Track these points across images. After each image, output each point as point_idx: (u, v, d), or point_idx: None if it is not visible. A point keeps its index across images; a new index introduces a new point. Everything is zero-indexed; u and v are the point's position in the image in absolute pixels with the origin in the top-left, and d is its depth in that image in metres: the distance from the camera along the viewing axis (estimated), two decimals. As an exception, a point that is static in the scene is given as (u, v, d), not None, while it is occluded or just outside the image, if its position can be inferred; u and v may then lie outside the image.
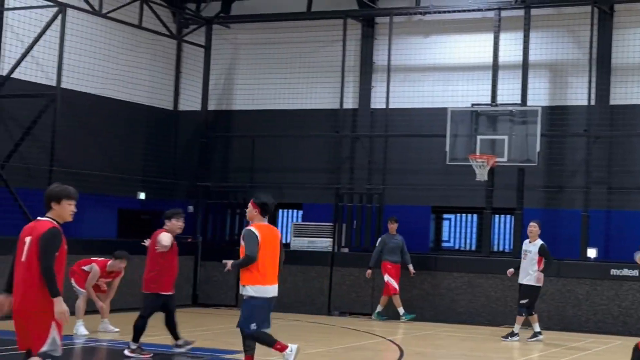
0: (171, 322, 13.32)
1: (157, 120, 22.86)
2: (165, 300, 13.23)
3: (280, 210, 23.12)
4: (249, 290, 11.06)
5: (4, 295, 8.24)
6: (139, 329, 13.07)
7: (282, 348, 11.32)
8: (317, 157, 22.35)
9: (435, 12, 21.11)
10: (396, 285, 19.43)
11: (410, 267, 19.71)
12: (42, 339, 8.02)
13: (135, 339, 13.07)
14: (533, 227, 16.91)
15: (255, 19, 23.14)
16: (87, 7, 19.81)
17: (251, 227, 11.12)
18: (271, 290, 11.19)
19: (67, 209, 8.47)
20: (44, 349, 8.02)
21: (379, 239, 19.96)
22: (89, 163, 20.39)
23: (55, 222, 8.26)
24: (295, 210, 22.96)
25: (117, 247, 19.39)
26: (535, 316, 16.79)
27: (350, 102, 22.16)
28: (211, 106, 23.36)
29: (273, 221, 22.92)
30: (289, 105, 22.67)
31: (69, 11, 19.31)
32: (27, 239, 8.20)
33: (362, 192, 21.50)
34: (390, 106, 21.22)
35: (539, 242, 16.73)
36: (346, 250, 21.14)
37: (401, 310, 19.41)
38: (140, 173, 22.23)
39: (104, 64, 21.22)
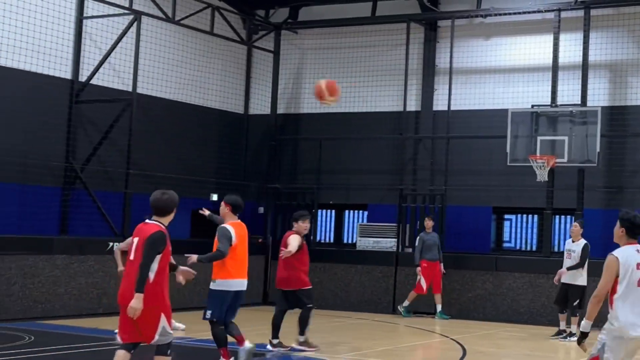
0: (304, 317, 14.20)
1: (228, 123, 23.20)
2: (300, 296, 14.13)
3: (346, 211, 23.48)
4: (216, 282, 11.91)
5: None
6: (276, 324, 14.18)
7: (224, 355, 11.85)
8: (381, 158, 22.54)
9: (495, 15, 21.20)
10: (425, 287, 19.85)
11: (441, 265, 20.11)
12: (154, 329, 8.82)
13: (275, 334, 14.13)
14: (575, 227, 16.96)
15: (321, 24, 23.42)
16: (161, 15, 20.19)
17: (226, 225, 12.03)
18: (237, 284, 11.95)
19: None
20: (156, 338, 8.82)
21: (418, 237, 20.29)
22: (163, 166, 20.74)
23: (162, 226, 9.04)
24: (360, 211, 23.18)
25: (190, 246, 19.94)
26: (578, 317, 16.75)
27: (413, 105, 22.34)
28: (280, 110, 23.73)
29: (339, 221, 23.43)
30: (354, 109, 22.89)
31: (144, 19, 19.74)
32: (135, 240, 9.08)
33: (425, 193, 21.68)
34: (452, 108, 21.35)
35: (583, 241, 16.69)
36: (410, 250, 21.26)
37: (405, 303, 20.01)
38: (212, 175, 22.53)
39: (178, 69, 21.62)
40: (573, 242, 16.89)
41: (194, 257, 11.62)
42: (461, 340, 16.17)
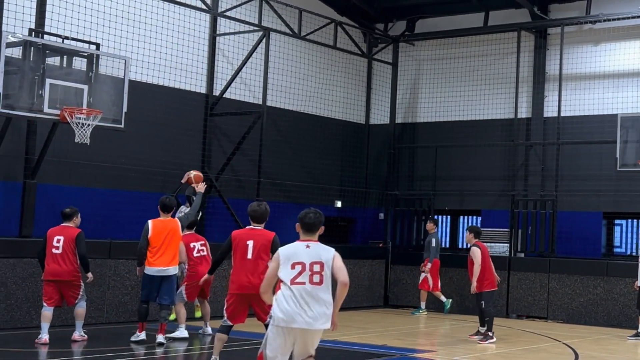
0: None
1: (350, 133, 23.27)
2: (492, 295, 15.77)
3: (461, 217, 23.28)
4: (145, 268, 13.43)
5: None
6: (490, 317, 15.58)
7: (139, 328, 13.48)
8: (494, 165, 22.26)
9: (605, 20, 20.65)
10: (431, 284, 20.14)
11: (429, 265, 20.24)
12: (267, 313, 9.52)
13: (489, 327, 15.50)
14: None
15: (436, 35, 23.25)
16: (288, 31, 20.32)
17: (149, 221, 13.49)
18: (153, 270, 13.36)
19: None
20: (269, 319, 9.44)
21: (434, 239, 20.38)
22: (291, 174, 20.97)
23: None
24: (474, 217, 22.93)
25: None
26: None
27: (524, 112, 21.98)
28: (398, 119, 23.64)
29: (454, 226, 23.24)
30: (467, 116, 22.70)
31: (272, 35, 19.92)
32: (251, 242, 10.68)
33: (536, 198, 21.29)
34: (562, 114, 20.92)
35: None
36: (522, 255, 21.02)
37: (423, 305, 20.38)
38: (336, 183, 22.65)
39: (303, 82, 21.75)
40: None
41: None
42: (573, 344, 15.84)
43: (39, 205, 15.34)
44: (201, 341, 14.57)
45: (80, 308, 13.42)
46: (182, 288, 14.54)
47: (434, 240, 20.39)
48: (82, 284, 13.45)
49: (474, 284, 15.56)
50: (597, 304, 19.61)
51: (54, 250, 13.19)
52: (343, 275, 8.08)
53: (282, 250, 8.17)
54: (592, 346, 15.96)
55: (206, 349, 13.78)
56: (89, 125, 14.44)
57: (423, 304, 20.43)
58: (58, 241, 13.22)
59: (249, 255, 10.63)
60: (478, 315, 16.08)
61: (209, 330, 14.91)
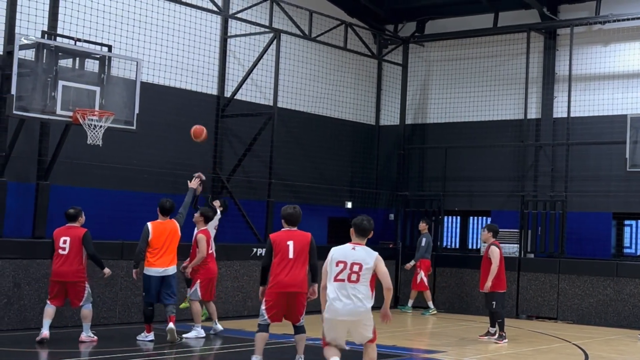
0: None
1: (360, 134, 23.20)
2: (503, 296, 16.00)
3: (470, 217, 23.14)
4: (145, 269, 13.56)
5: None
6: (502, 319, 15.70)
7: (147, 329, 13.64)
8: (503, 165, 22.15)
9: (614, 21, 20.51)
10: (426, 283, 20.37)
11: (412, 262, 20.47)
12: (302, 312, 11.10)
13: (502, 328, 15.61)
14: None
15: (446, 36, 23.16)
16: (298, 32, 20.26)
17: (148, 223, 13.65)
18: (154, 271, 13.50)
19: None
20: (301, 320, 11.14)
21: (424, 239, 20.51)
22: (301, 175, 20.92)
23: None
24: (484, 217, 22.78)
25: (327, 252, 20.02)
26: None
27: (533, 112, 21.84)
28: (408, 120, 23.54)
29: (464, 227, 23.12)
30: (477, 117, 22.59)
31: (283, 36, 19.83)
32: (291, 243, 10.98)
33: (546, 199, 21.18)
34: (572, 115, 20.78)
35: None
36: (532, 255, 20.90)
37: (430, 304, 20.46)
38: (346, 184, 22.60)
39: (314, 84, 21.68)
40: None
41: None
42: (583, 345, 15.76)
43: (52, 206, 15.29)
44: (218, 340, 14.54)
45: (86, 309, 13.38)
46: (197, 286, 14.50)
47: (424, 240, 20.50)
48: (87, 286, 13.42)
49: (489, 283, 15.49)
50: (607, 304, 19.48)
51: (60, 251, 13.22)
52: (386, 282, 9.42)
53: (333, 250, 9.56)
54: (602, 347, 15.88)
55: (224, 348, 13.74)
56: (101, 127, 14.41)
57: (430, 304, 20.38)
58: (65, 242, 13.23)
59: (291, 255, 10.96)
60: (488, 316, 16.00)
61: (219, 327, 14.94)
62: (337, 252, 9.52)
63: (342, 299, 9.34)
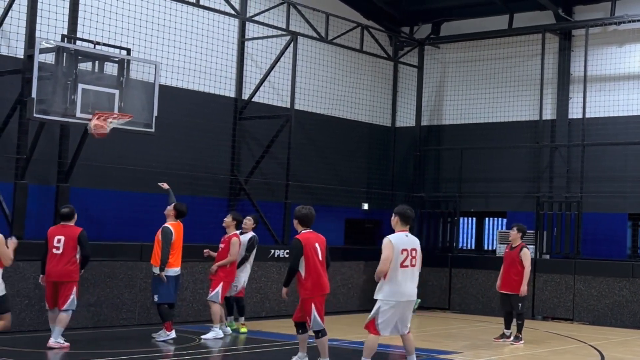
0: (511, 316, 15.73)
1: (376, 136, 23.14)
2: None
3: (486, 219, 23.06)
4: (157, 269, 13.66)
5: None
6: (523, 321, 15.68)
7: (168, 327, 13.69)
8: (519, 167, 22.06)
9: (630, 21, 20.37)
10: None
11: None
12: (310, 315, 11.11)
13: (520, 329, 15.53)
14: None
15: (461, 38, 23.10)
16: (315, 35, 20.26)
17: (168, 224, 13.87)
18: (174, 271, 13.80)
19: None
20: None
21: None
22: (318, 177, 20.88)
23: None
24: (499, 219, 22.72)
25: (344, 254, 20.08)
26: None
27: (549, 113, 21.73)
28: (424, 122, 23.49)
29: (480, 228, 23.08)
30: (492, 119, 22.51)
31: (300, 39, 19.83)
32: (317, 245, 11.12)
33: (561, 200, 21.08)
34: (587, 116, 20.69)
35: None
36: (547, 256, 20.80)
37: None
38: (363, 185, 22.55)
39: (330, 86, 21.67)
40: None
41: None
42: (598, 346, 15.68)
43: (72, 208, 15.34)
44: (236, 341, 14.59)
45: (65, 314, 12.81)
46: (220, 288, 14.55)
47: None
48: (75, 290, 12.93)
49: (524, 287, 15.43)
50: (623, 305, 19.37)
51: (54, 251, 12.86)
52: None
53: (393, 240, 10.45)
54: (618, 348, 15.81)
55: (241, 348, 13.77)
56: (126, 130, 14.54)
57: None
58: (59, 241, 12.90)
59: (320, 257, 11.13)
60: (504, 318, 15.92)
61: (228, 330, 15.06)
62: (399, 241, 10.48)
63: (408, 282, 10.56)
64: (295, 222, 11.37)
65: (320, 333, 11.14)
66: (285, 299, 12.39)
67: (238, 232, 15.01)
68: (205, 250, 15.27)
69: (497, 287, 15.98)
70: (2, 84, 15.01)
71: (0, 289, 11.05)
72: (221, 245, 14.82)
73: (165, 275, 13.73)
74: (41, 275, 13.07)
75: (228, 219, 14.97)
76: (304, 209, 11.25)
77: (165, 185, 14.85)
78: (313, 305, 11.00)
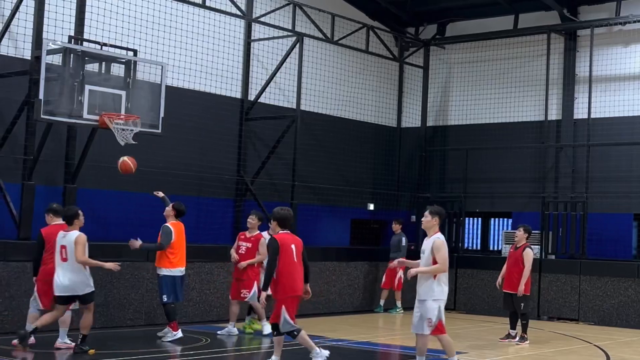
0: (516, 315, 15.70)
1: (382, 137, 23.14)
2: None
3: (492, 219, 23.05)
4: (162, 270, 13.59)
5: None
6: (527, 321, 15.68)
7: (174, 327, 13.59)
8: (524, 167, 22.03)
9: (635, 21, 20.34)
10: (396, 283, 20.01)
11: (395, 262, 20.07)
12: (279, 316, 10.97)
13: (525, 329, 15.58)
14: None
15: (467, 38, 23.10)
16: (321, 36, 20.32)
17: (168, 224, 13.72)
18: (178, 271, 13.71)
19: None
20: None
21: (403, 238, 20.30)
22: (324, 178, 20.90)
23: None
24: (505, 219, 22.70)
25: (350, 254, 20.05)
26: None
27: (554, 114, 21.72)
28: (429, 122, 23.51)
29: (485, 229, 23.04)
30: (497, 119, 22.49)
31: (306, 40, 19.89)
32: (293, 246, 11.00)
33: (567, 200, 21.03)
34: (592, 116, 20.67)
35: None
36: (553, 257, 20.76)
37: (399, 303, 20.06)
38: (369, 186, 22.56)
39: (336, 86, 21.69)
40: None
41: (137, 244, 13.42)
42: (604, 347, 15.65)
43: (79, 209, 15.36)
44: (252, 339, 14.64)
45: (66, 315, 12.59)
46: (255, 288, 14.59)
47: (404, 239, 20.29)
48: None
49: (522, 287, 15.40)
50: (629, 305, 19.31)
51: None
52: None
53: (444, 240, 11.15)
54: (623, 348, 15.76)
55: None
56: (131, 130, 14.48)
57: (399, 303, 20.12)
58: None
59: (295, 259, 11.02)
60: (509, 318, 15.90)
61: (234, 330, 15.05)
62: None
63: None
64: (273, 223, 11.41)
65: (295, 331, 11.12)
66: (263, 305, 12.38)
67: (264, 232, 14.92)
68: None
69: (497, 285, 15.98)
70: (9, 85, 15.04)
71: (90, 285, 11.92)
72: (246, 244, 14.82)
73: (172, 276, 13.70)
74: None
75: (254, 220, 14.95)
76: (282, 210, 11.32)
77: (160, 194, 14.64)
78: (283, 307, 10.93)
